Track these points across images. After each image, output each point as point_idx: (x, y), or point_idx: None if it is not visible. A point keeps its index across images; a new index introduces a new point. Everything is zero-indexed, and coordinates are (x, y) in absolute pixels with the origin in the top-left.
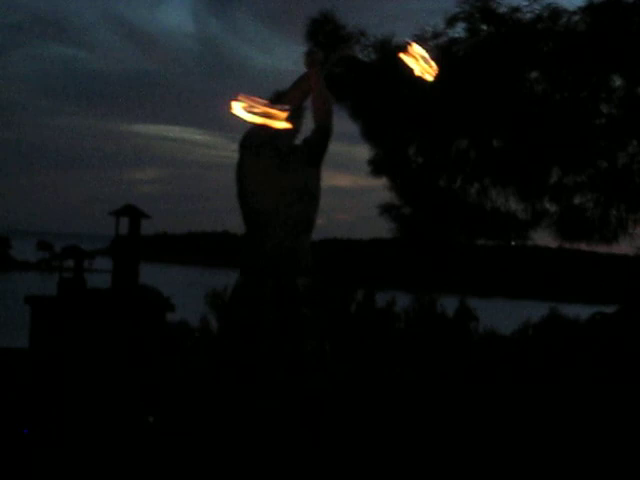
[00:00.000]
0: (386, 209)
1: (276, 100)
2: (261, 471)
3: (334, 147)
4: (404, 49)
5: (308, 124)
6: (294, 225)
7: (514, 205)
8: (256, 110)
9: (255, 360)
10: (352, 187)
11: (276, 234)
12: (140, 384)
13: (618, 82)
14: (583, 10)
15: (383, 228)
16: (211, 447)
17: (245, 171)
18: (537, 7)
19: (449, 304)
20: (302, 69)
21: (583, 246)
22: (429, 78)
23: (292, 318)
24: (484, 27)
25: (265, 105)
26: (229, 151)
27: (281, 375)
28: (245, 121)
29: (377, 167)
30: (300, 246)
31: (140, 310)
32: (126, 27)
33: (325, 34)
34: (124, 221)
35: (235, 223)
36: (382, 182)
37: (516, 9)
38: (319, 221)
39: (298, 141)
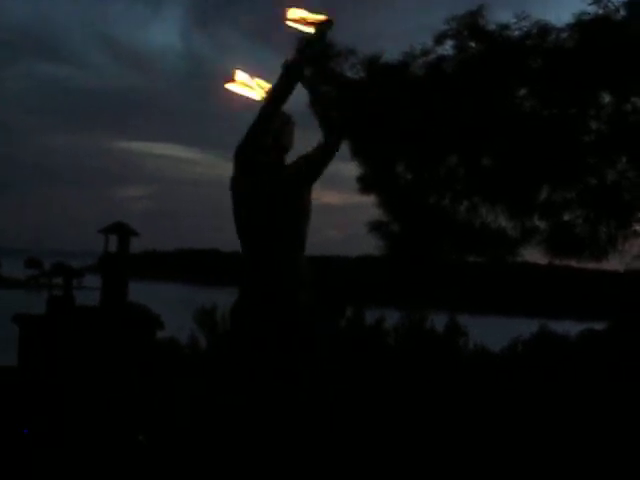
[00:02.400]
0: (375, 226)
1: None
2: None
3: None
4: (230, 79)
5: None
6: (290, 241)
7: (504, 222)
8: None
9: (255, 376)
10: (341, 204)
11: (274, 250)
12: (130, 402)
13: (607, 99)
14: (571, 27)
15: (372, 245)
16: (201, 465)
17: (238, 185)
18: (525, 24)
19: (439, 321)
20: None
21: (573, 262)
22: (258, 98)
23: (294, 336)
24: (473, 44)
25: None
26: (219, 169)
27: (277, 390)
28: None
29: (366, 184)
30: (299, 262)
31: (129, 328)
32: (116, 46)
33: None
34: (113, 238)
35: (224, 240)
36: (371, 199)
37: (505, 26)
38: (308, 239)
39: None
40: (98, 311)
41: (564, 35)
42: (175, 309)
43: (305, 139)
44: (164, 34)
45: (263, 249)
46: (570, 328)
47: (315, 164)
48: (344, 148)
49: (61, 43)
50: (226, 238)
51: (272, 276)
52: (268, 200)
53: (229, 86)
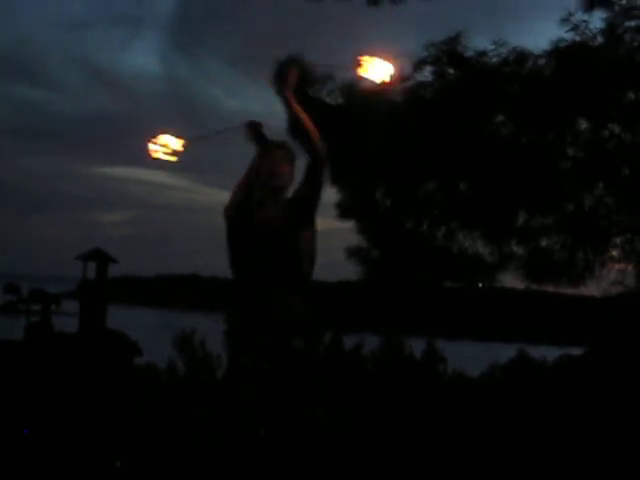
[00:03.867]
0: (353, 252)
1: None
2: None
3: None
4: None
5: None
6: (287, 285)
7: (481, 248)
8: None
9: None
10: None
11: (271, 294)
12: (107, 428)
13: (584, 125)
14: (549, 54)
15: (351, 271)
16: None
17: (232, 242)
18: (503, 51)
19: (417, 346)
20: (268, 109)
21: (550, 288)
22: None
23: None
24: (451, 71)
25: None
26: (195, 193)
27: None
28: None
29: (344, 210)
30: (294, 304)
31: (107, 355)
32: (94, 69)
33: None
34: (92, 264)
35: (203, 265)
36: (350, 225)
37: (482, 53)
38: None
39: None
40: (76, 338)
41: (541, 62)
42: (154, 334)
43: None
44: (144, 58)
45: (257, 291)
46: (548, 353)
47: (306, 202)
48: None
49: (39, 67)
50: (204, 263)
51: (263, 319)
52: (264, 246)
53: (151, 147)
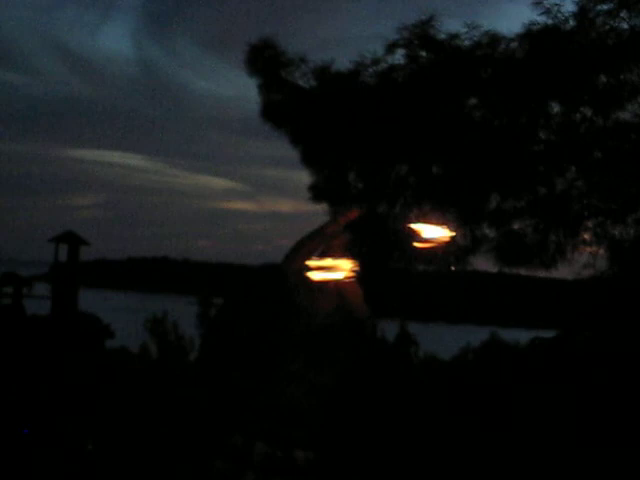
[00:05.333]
0: None
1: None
2: None
3: (275, 173)
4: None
5: None
6: None
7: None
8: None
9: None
10: (293, 212)
11: None
12: (79, 411)
13: (556, 108)
14: (521, 37)
15: None
16: (150, 475)
17: None
18: (476, 34)
19: (389, 329)
20: (241, 93)
21: (522, 271)
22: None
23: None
24: (423, 54)
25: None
26: (166, 176)
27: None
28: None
29: (317, 193)
30: None
31: (79, 337)
32: (67, 53)
33: (265, 60)
34: (63, 247)
35: (173, 248)
36: (322, 207)
37: (455, 36)
38: (259, 247)
39: None
40: (48, 320)
41: (514, 45)
42: (126, 317)
43: (257, 147)
44: (116, 41)
45: None
46: (520, 336)
47: None
48: (295, 156)
49: (9, 49)
50: (175, 246)
51: None
52: None
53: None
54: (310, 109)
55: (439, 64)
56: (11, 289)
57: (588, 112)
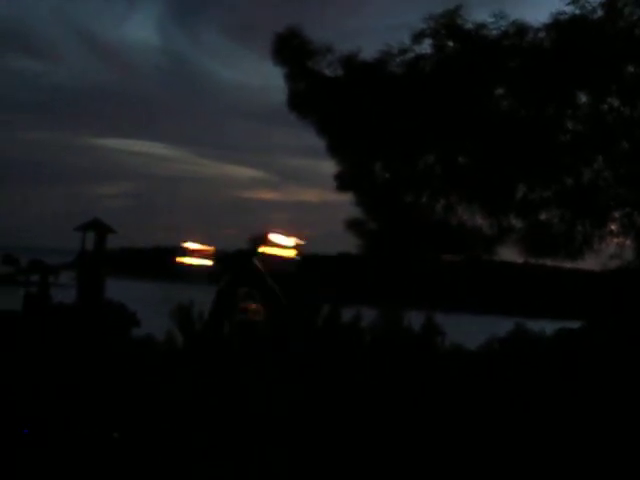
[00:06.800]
0: (352, 224)
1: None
2: None
3: (301, 162)
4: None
5: None
6: None
7: (480, 221)
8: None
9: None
10: (318, 202)
11: None
12: (105, 400)
13: (583, 99)
14: (549, 27)
15: (350, 243)
16: (175, 463)
17: None
18: (503, 24)
19: (415, 319)
20: (269, 83)
21: (549, 261)
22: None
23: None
24: (450, 43)
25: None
26: (194, 165)
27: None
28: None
29: (343, 182)
30: None
31: (105, 325)
32: (92, 41)
33: (291, 49)
34: (90, 236)
35: (200, 237)
36: (348, 197)
37: (482, 25)
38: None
39: None
40: (74, 309)
41: (541, 35)
42: (152, 306)
43: (282, 137)
44: (141, 30)
45: None
46: (546, 326)
47: None
48: (321, 145)
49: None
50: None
51: None
52: None
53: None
54: (336, 98)
55: (466, 54)
56: (38, 277)
57: (615, 102)
